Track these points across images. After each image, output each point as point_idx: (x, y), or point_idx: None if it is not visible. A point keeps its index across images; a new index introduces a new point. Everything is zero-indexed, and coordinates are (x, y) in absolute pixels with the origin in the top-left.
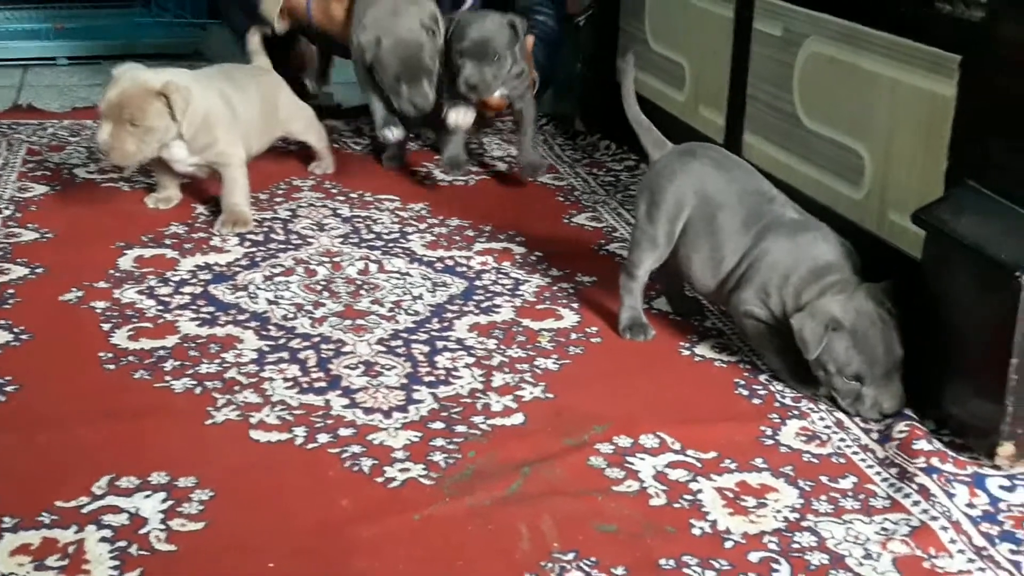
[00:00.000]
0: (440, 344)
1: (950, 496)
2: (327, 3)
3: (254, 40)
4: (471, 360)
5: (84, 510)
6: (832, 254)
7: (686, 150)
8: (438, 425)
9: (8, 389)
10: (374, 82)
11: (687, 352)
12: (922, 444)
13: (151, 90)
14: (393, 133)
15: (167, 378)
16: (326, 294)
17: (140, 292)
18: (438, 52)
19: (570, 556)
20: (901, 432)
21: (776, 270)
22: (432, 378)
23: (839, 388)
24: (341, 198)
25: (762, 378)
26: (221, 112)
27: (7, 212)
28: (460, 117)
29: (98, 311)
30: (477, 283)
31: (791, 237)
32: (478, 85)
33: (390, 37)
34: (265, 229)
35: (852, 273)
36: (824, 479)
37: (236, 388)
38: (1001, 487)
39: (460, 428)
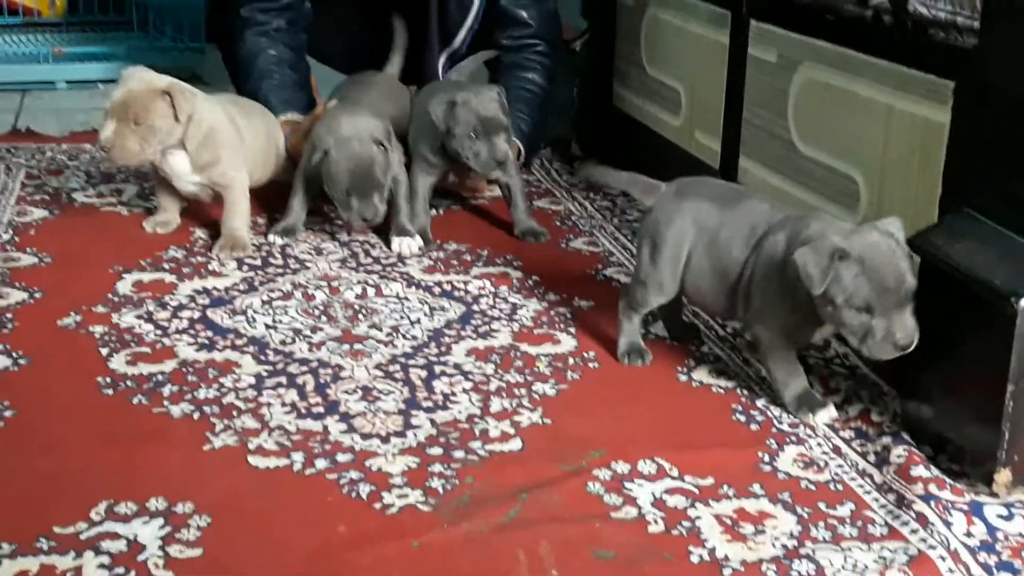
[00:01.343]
0: (438, 369)
1: (948, 524)
2: (299, 137)
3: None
4: (469, 385)
5: (82, 536)
6: (831, 222)
7: (678, 190)
8: (436, 451)
9: (6, 414)
10: (308, 186)
11: (684, 377)
12: (920, 470)
13: (156, 89)
14: (282, 238)
15: (165, 403)
16: (324, 319)
17: (138, 316)
18: (389, 167)
19: None
20: (899, 457)
21: (777, 248)
22: (430, 403)
23: (848, 322)
24: (339, 223)
25: (760, 403)
26: (227, 131)
27: (5, 236)
28: (405, 247)
29: (96, 336)
30: (475, 308)
31: (787, 228)
32: (505, 159)
33: (343, 151)
34: (263, 253)
35: None
36: (822, 506)
37: (234, 413)
38: (999, 516)
39: (458, 454)
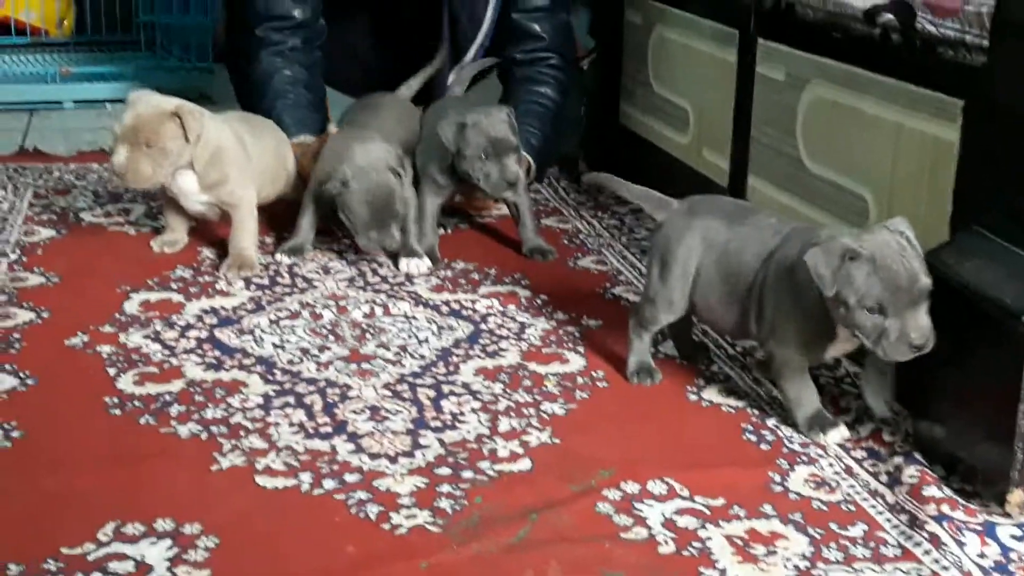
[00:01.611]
0: (446, 388)
1: (961, 545)
2: (309, 158)
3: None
4: (477, 405)
5: (90, 557)
6: (840, 230)
7: (689, 208)
8: (444, 471)
9: (14, 434)
10: (317, 207)
11: (694, 397)
12: (932, 491)
13: (165, 112)
14: (289, 258)
15: (172, 423)
16: (332, 338)
17: (146, 336)
18: (405, 195)
19: None
20: (911, 478)
21: (786, 260)
22: (438, 423)
23: (861, 323)
24: (347, 241)
25: (770, 423)
26: (234, 150)
27: (13, 256)
28: (413, 267)
29: (103, 355)
30: (483, 327)
31: (795, 240)
32: (516, 180)
33: (363, 182)
34: (271, 273)
35: None
36: (834, 526)
37: (242, 433)
38: (1012, 536)
39: (467, 474)
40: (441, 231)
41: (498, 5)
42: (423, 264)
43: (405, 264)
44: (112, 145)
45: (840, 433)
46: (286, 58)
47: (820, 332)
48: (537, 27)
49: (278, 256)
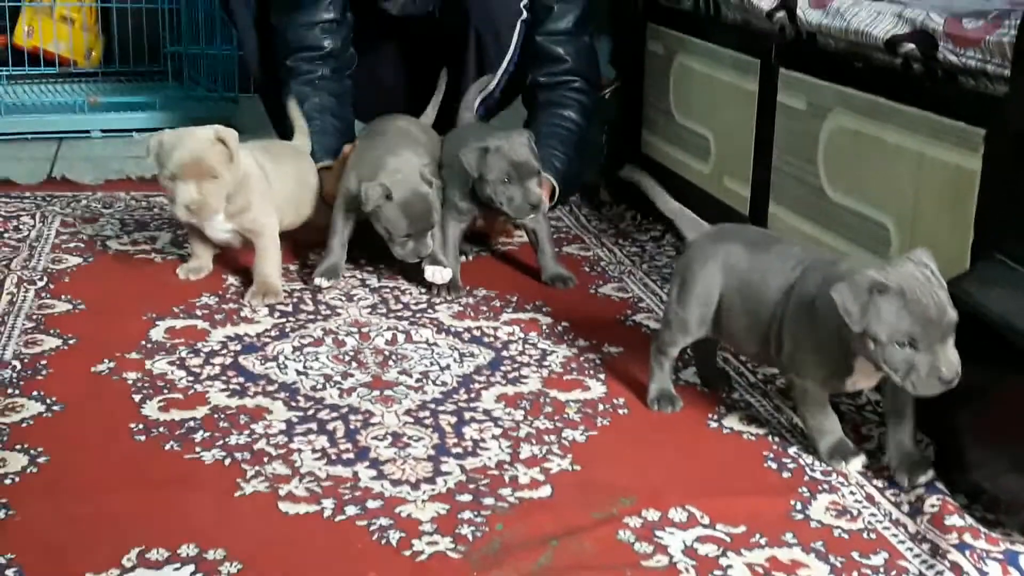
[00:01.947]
0: (467, 415)
1: (983, 574)
2: (333, 183)
3: (292, 106)
4: (498, 431)
5: None
6: (862, 261)
7: (718, 233)
8: (466, 497)
9: (40, 460)
10: (346, 223)
11: (715, 424)
12: (954, 520)
13: (210, 138)
14: (327, 280)
15: (197, 449)
16: (354, 364)
17: (171, 363)
18: (438, 205)
19: None
20: (933, 507)
21: (807, 291)
22: (459, 449)
23: (891, 358)
24: (370, 268)
25: (791, 451)
26: (256, 177)
27: (40, 283)
28: (438, 276)
29: (129, 382)
30: (504, 353)
31: (818, 271)
32: (539, 203)
33: (401, 192)
34: (295, 300)
35: None
36: (855, 555)
37: (265, 459)
38: None
39: (488, 500)
40: (462, 258)
41: (523, 30)
42: (447, 272)
43: (431, 272)
44: (169, 185)
45: (861, 461)
46: (315, 87)
47: (839, 366)
48: (561, 50)
49: (316, 280)
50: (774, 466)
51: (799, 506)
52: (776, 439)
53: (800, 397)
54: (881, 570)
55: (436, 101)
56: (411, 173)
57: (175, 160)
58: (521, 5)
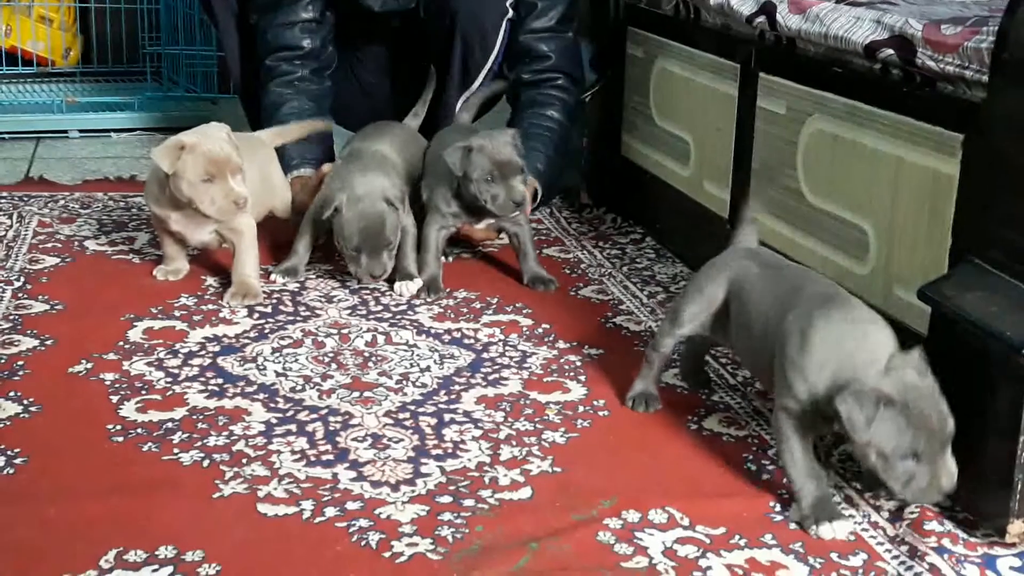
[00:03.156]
0: (447, 417)
1: None
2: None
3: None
4: (478, 433)
5: None
6: (856, 325)
7: (743, 251)
8: (445, 499)
9: (17, 461)
10: (314, 231)
11: (695, 426)
12: (933, 525)
13: (223, 135)
14: (283, 277)
15: (175, 450)
16: (334, 366)
17: (149, 364)
18: (399, 225)
19: None
20: (912, 512)
21: (797, 354)
22: (439, 451)
23: (893, 470)
24: (349, 272)
25: (771, 453)
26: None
27: (17, 284)
28: (404, 289)
29: (107, 383)
30: (484, 355)
31: (810, 315)
32: (523, 201)
33: (358, 205)
34: (274, 301)
35: (880, 344)
36: (834, 556)
37: (244, 461)
38: (1012, 568)
39: (468, 502)
40: (443, 259)
41: (508, 29)
42: (413, 285)
43: (398, 287)
44: (201, 186)
45: (845, 528)
46: (295, 88)
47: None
48: (544, 47)
49: (273, 276)
50: (753, 468)
51: (778, 508)
52: (755, 441)
53: (781, 442)
54: (860, 571)
55: (425, 100)
56: (373, 192)
57: (210, 159)
58: (507, 4)
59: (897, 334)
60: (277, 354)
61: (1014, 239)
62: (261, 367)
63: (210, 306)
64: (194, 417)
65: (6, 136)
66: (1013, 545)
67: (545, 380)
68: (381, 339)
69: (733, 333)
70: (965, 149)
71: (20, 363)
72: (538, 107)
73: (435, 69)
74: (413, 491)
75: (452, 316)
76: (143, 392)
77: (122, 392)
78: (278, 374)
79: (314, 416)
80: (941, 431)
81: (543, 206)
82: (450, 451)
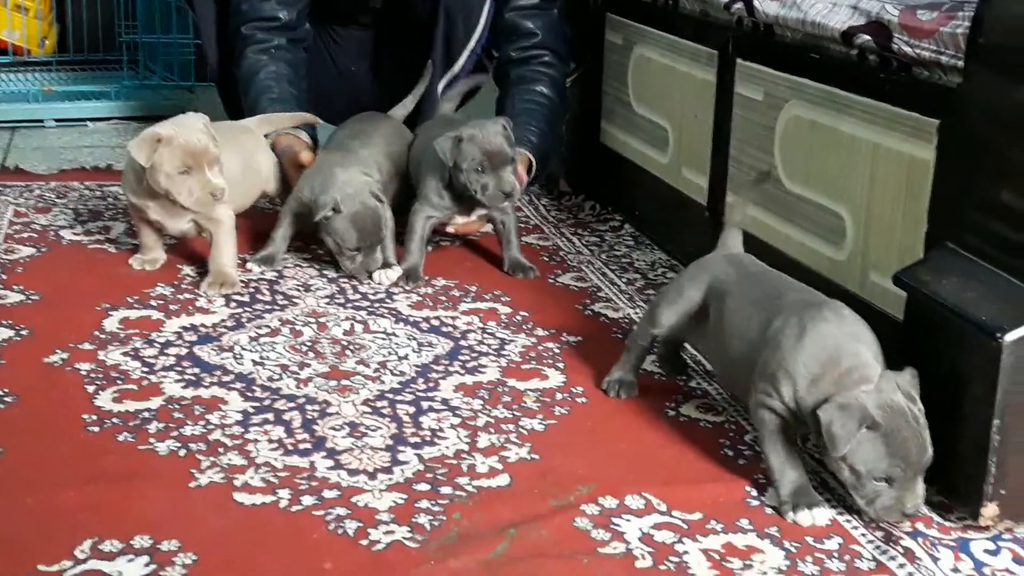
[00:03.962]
0: (425, 404)
1: (935, 560)
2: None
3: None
4: (456, 421)
5: (67, 574)
6: (849, 338)
7: (726, 256)
8: (423, 487)
9: None
10: (293, 222)
11: (672, 412)
12: None
13: (200, 126)
14: (259, 266)
15: (151, 440)
16: (311, 355)
17: (125, 354)
18: (388, 220)
19: None
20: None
21: (787, 356)
22: (417, 439)
23: (861, 488)
24: (327, 259)
25: (747, 438)
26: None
27: None
28: (384, 277)
29: (83, 373)
30: (463, 343)
31: (802, 320)
32: (513, 191)
33: (351, 205)
34: (251, 290)
35: (872, 359)
36: (810, 540)
37: (220, 450)
38: (986, 551)
39: (445, 489)
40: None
41: (492, 7)
42: (393, 274)
43: (377, 275)
44: (179, 178)
45: (824, 515)
46: (271, 55)
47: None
48: (530, 24)
49: (249, 264)
50: (730, 453)
51: (755, 493)
52: (732, 427)
53: (762, 433)
54: (835, 555)
55: (417, 94)
56: (362, 189)
57: (187, 150)
58: None
59: (872, 321)
60: (254, 343)
61: (989, 224)
62: (238, 356)
63: (187, 295)
64: (170, 407)
65: None
66: (987, 528)
67: (523, 367)
68: (359, 327)
69: (709, 337)
70: (941, 134)
71: None
72: (528, 83)
73: (418, 48)
74: (391, 479)
75: (430, 304)
76: (119, 382)
77: (98, 382)
78: (255, 363)
79: (291, 405)
80: (918, 461)
81: (537, 181)
82: (428, 439)
